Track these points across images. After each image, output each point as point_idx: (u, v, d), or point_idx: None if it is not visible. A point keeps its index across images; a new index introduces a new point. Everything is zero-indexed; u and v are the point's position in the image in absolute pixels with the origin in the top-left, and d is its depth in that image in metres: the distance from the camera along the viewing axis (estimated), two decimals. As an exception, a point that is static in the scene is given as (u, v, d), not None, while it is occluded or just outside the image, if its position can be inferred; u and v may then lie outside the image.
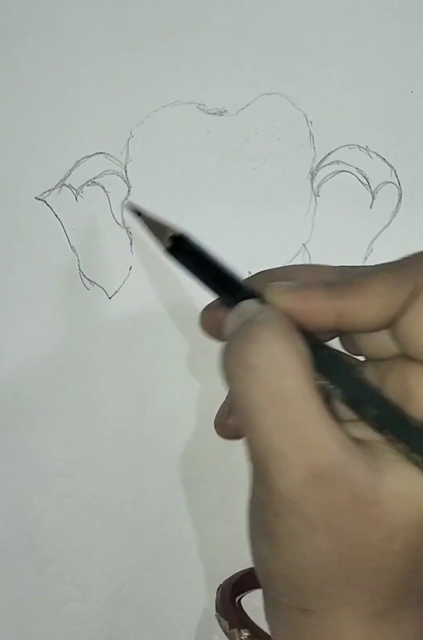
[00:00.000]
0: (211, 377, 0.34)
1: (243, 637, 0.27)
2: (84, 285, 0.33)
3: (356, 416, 0.25)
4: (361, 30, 0.33)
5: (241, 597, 0.32)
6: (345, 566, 0.23)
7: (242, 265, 0.34)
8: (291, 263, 0.34)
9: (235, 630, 0.27)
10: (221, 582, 0.33)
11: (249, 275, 0.27)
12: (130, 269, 0.33)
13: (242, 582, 0.32)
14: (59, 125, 0.33)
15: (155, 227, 0.27)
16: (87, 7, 0.32)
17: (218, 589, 0.32)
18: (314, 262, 0.34)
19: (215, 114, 0.33)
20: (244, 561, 0.36)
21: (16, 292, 0.33)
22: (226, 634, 0.28)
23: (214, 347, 0.34)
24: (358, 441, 0.24)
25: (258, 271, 0.27)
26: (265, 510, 0.24)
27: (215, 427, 0.30)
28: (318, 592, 0.23)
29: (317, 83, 0.33)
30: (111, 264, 0.34)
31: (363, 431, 0.25)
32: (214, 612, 0.35)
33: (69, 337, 0.34)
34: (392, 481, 0.23)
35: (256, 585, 0.27)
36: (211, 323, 0.29)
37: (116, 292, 0.34)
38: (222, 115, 0.33)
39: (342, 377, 0.25)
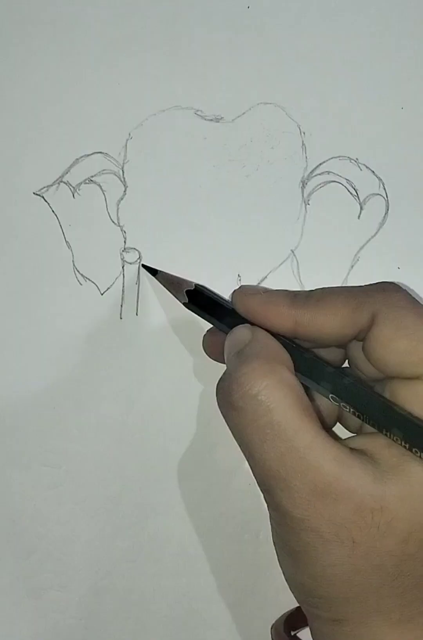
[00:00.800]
0: (199, 373, 0.35)
1: None
2: (78, 280, 0.34)
3: (356, 417, 0.26)
4: (355, 49, 0.34)
5: (296, 633, 0.33)
6: (367, 574, 0.24)
7: (232, 267, 0.35)
8: (279, 268, 0.35)
9: None
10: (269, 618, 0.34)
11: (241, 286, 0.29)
12: (123, 267, 0.34)
13: (293, 619, 0.33)
14: (59, 123, 0.34)
15: (171, 283, 0.31)
16: (91, 8, 0.33)
17: (271, 628, 0.33)
18: (302, 268, 0.35)
19: (212, 120, 0.34)
20: (225, 554, 0.36)
21: (9, 285, 0.34)
22: None
23: (201, 347, 0.35)
24: (359, 452, 0.25)
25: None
26: (280, 529, 0.25)
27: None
28: (346, 602, 0.24)
29: (311, 95, 0.34)
30: (105, 261, 0.34)
31: (364, 441, 0.26)
32: (196, 607, 0.36)
33: (60, 330, 0.34)
34: (395, 486, 0.24)
35: (306, 621, 0.28)
36: (211, 346, 0.31)
37: (108, 288, 0.34)
38: (219, 122, 0.34)
39: (337, 383, 0.26)
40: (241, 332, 0.27)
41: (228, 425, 0.26)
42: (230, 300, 0.29)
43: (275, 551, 0.36)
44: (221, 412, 0.26)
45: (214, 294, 0.31)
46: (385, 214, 0.34)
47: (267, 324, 0.27)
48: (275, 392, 0.24)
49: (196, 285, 0.31)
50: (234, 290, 0.28)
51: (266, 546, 0.37)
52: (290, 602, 0.34)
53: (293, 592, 0.26)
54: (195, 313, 0.31)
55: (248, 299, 0.28)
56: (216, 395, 0.26)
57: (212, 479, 0.36)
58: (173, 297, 0.33)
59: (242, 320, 0.28)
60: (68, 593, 0.36)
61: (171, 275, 0.32)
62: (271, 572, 0.37)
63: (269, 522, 0.37)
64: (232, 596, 0.37)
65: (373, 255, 0.35)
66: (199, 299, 0.30)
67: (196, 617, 0.37)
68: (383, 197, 0.34)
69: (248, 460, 0.25)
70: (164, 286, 0.32)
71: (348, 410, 0.26)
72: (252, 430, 0.24)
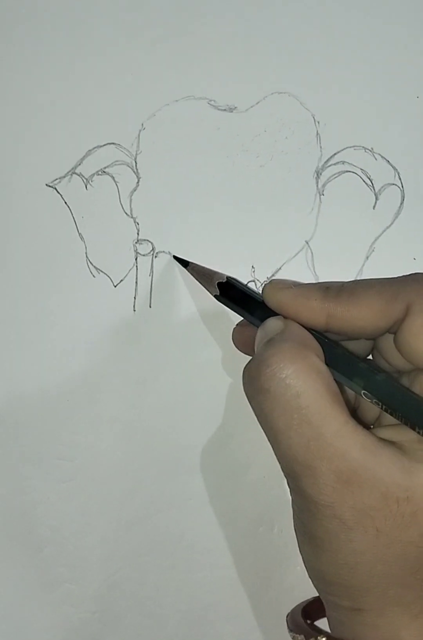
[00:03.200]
0: (213, 365, 0.35)
1: None
2: (90, 272, 0.34)
3: (388, 413, 0.26)
4: (370, 37, 0.34)
5: (312, 622, 0.33)
6: (389, 564, 0.24)
7: (246, 258, 0.34)
8: (293, 259, 0.34)
9: (312, 639, 0.28)
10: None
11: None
12: (136, 259, 0.34)
13: (310, 609, 0.33)
14: (72, 114, 0.33)
15: (202, 275, 0.30)
16: (103, 0, 0.33)
17: (287, 616, 0.33)
18: (316, 259, 0.34)
19: (225, 110, 0.34)
20: (240, 548, 0.36)
21: (22, 277, 0.34)
22: None
23: (216, 339, 0.35)
24: (388, 443, 0.24)
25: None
26: (303, 516, 0.25)
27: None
28: (366, 591, 0.24)
29: (326, 84, 0.34)
30: (118, 253, 0.34)
31: (393, 433, 0.26)
32: (210, 600, 0.36)
33: (73, 323, 0.34)
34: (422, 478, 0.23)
35: (324, 611, 0.28)
36: (242, 340, 0.31)
37: (122, 280, 0.34)
38: (232, 111, 0.34)
39: (370, 379, 0.26)
40: (274, 323, 0.27)
41: (253, 408, 0.25)
42: (261, 293, 0.28)
43: (289, 544, 0.36)
44: (247, 395, 0.25)
45: (246, 286, 0.31)
46: (401, 204, 0.34)
47: (299, 318, 0.27)
48: (305, 376, 0.24)
49: (228, 277, 0.31)
50: (265, 284, 0.28)
51: (281, 539, 0.37)
52: (305, 595, 0.34)
53: (312, 580, 0.26)
54: (226, 305, 0.30)
55: (279, 293, 0.27)
56: (243, 378, 0.26)
57: (226, 471, 0.36)
58: (186, 290, 0.33)
59: (273, 314, 0.28)
60: (82, 587, 0.35)
61: (203, 267, 0.32)
62: (286, 565, 0.37)
63: (283, 515, 0.36)
64: (247, 590, 0.37)
65: (388, 246, 0.34)
66: (230, 292, 0.30)
67: (210, 611, 0.37)
68: (399, 187, 0.34)
69: (272, 445, 0.25)
70: (196, 278, 0.32)
71: (380, 406, 0.26)
72: (279, 413, 0.24)
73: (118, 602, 0.36)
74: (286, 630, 0.32)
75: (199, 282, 0.32)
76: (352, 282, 0.27)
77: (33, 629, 0.35)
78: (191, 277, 0.33)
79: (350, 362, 0.26)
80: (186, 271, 0.33)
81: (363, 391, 0.26)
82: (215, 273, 0.31)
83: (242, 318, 0.30)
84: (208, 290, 0.31)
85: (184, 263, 0.33)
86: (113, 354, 0.35)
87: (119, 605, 0.36)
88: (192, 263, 0.33)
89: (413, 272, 0.29)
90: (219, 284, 0.30)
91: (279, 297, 0.27)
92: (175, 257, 0.34)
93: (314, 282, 0.34)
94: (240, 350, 0.32)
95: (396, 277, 0.27)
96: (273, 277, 0.34)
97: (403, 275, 0.27)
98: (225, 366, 0.35)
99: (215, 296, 0.31)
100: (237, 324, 0.32)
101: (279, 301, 0.27)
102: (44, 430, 0.35)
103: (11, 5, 0.33)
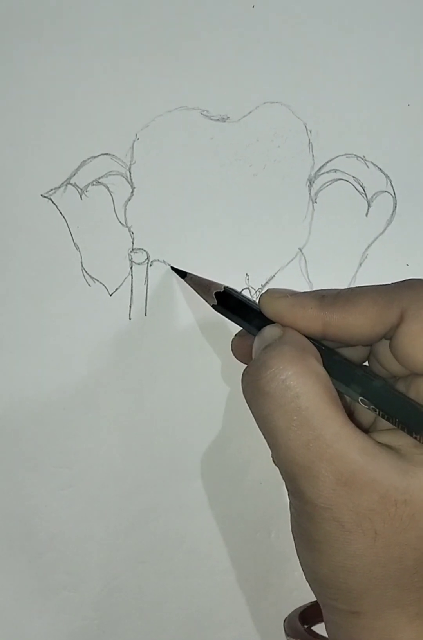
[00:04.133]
0: (208, 372, 0.35)
1: None
2: (86, 281, 0.34)
3: (386, 420, 0.26)
4: (361, 45, 0.34)
5: (309, 627, 0.33)
6: (387, 567, 0.24)
7: (241, 266, 0.35)
8: (287, 266, 0.35)
9: None
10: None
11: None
12: (131, 268, 0.34)
13: (307, 614, 0.33)
14: (66, 125, 0.34)
15: (200, 285, 0.31)
16: (96, 10, 0.33)
17: (284, 621, 0.33)
18: (310, 266, 0.35)
19: (218, 120, 0.34)
20: (238, 553, 0.37)
21: (19, 286, 0.34)
22: None
23: (212, 346, 0.35)
24: (385, 446, 0.25)
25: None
26: (301, 518, 0.25)
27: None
28: (364, 594, 0.24)
29: (318, 93, 0.34)
30: (113, 262, 0.34)
31: (389, 437, 0.26)
32: (209, 605, 0.36)
33: (69, 332, 0.35)
34: (421, 480, 0.24)
35: (321, 616, 0.28)
36: (240, 349, 0.31)
37: (117, 289, 0.35)
38: (225, 121, 0.34)
39: (368, 386, 0.26)
40: (272, 330, 0.27)
41: (252, 411, 0.25)
42: (258, 302, 0.29)
43: (286, 549, 0.37)
44: (247, 398, 0.26)
45: (243, 296, 0.31)
46: (393, 211, 0.34)
47: (296, 327, 0.27)
48: (304, 378, 0.24)
49: (225, 287, 0.31)
50: (262, 294, 0.28)
51: (279, 544, 0.37)
52: (303, 600, 0.34)
53: (309, 583, 0.26)
54: (224, 315, 0.31)
55: (276, 302, 0.27)
56: (242, 381, 0.26)
57: (223, 477, 0.36)
58: (182, 297, 0.33)
59: (270, 323, 0.28)
60: (81, 593, 0.36)
61: (200, 278, 0.32)
62: (283, 570, 0.37)
63: (280, 520, 0.37)
64: (245, 595, 0.37)
65: (381, 252, 0.34)
66: (228, 302, 0.31)
67: (209, 616, 0.37)
68: (391, 194, 0.34)
69: (271, 448, 0.25)
70: (193, 288, 0.33)
71: (377, 413, 0.26)
72: (278, 415, 0.24)
73: (117, 608, 0.36)
74: (284, 634, 0.33)
75: (197, 292, 0.32)
76: (347, 290, 0.27)
77: (32, 636, 0.36)
78: (187, 286, 0.34)
79: (347, 369, 0.27)
80: (183, 281, 0.34)
81: (360, 398, 0.26)
82: (212, 283, 0.32)
83: (240, 328, 0.31)
84: (206, 300, 0.32)
85: (182, 274, 0.34)
86: (110, 362, 0.35)
87: (119, 611, 0.36)
88: (190, 274, 0.33)
89: (407, 278, 0.29)
90: (217, 294, 0.31)
91: (276, 306, 0.28)
92: (173, 268, 0.34)
93: (308, 289, 0.35)
94: (240, 361, 0.32)
95: (390, 284, 0.27)
96: (269, 287, 0.35)
97: (398, 282, 0.27)
98: (222, 372, 0.36)
99: (213, 306, 0.31)
100: (236, 335, 0.32)
101: (276, 310, 0.27)
102: (42, 437, 0.35)
103: (6, 18, 0.33)
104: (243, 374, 0.26)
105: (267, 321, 0.28)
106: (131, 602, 0.36)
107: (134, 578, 0.36)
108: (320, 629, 0.30)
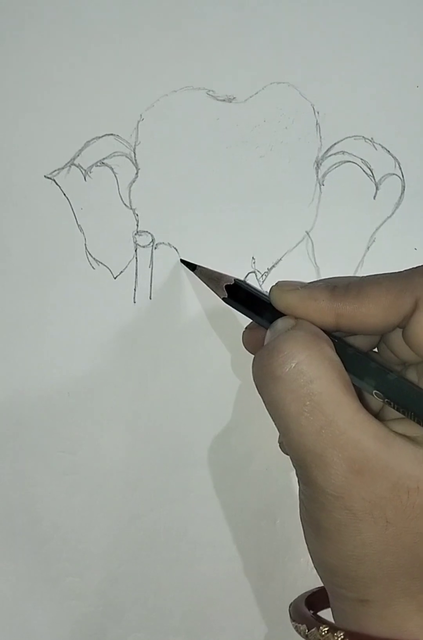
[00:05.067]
0: (214, 358, 0.35)
1: (323, 633, 0.28)
2: (90, 264, 0.34)
3: (401, 413, 0.26)
4: (370, 26, 0.34)
5: (315, 613, 0.33)
6: (397, 555, 0.24)
7: (247, 249, 0.34)
8: (294, 250, 0.34)
9: (314, 629, 0.28)
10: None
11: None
12: (135, 251, 0.34)
13: (314, 599, 0.33)
14: (70, 106, 0.33)
15: (210, 278, 0.30)
16: (101, -10, 0.33)
17: (290, 606, 0.33)
18: (317, 249, 0.34)
19: (224, 100, 0.33)
20: (243, 541, 0.36)
21: (22, 269, 0.34)
22: (307, 637, 0.29)
23: (217, 331, 0.35)
24: (398, 434, 0.24)
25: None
26: (312, 506, 0.25)
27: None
28: (373, 583, 0.24)
29: (325, 74, 0.33)
30: (117, 244, 0.34)
31: (406, 427, 0.25)
32: (213, 594, 0.36)
33: (73, 315, 0.34)
34: None
35: (328, 602, 0.27)
36: (251, 342, 0.31)
37: (121, 272, 0.34)
38: (231, 102, 0.33)
39: (382, 379, 0.26)
40: (285, 321, 0.27)
41: (263, 397, 0.25)
42: (268, 295, 0.28)
43: (291, 537, 0.36)
44: (257, 384, 0.25)
45: (254, 288, 0.30)
46: (401, 194, 0.34)
47: (308, 319, 0.26)
48: (317, 363, 0.24)
49: (236, 280, 0.30)
50: (272, 287, 0.28)
51: (284, 532, 0.36)
52: (309, 587, 0.34)
53: (318, 571, 0.26)
54: (234, 308, 0.30)
55: (287, 295, 0.27)
56: (253, 366, 0.25)
57: (228, 465, 0.36)
58: (187, 281, 0.33)
59: (282, 315, 0.27)
60: (85, 581, 0.35)
61: (210, 270, 0.32)
62: (289, 557, 0.37)
63: (285, 508, 0.36)
64: (250, 583, 0.37)
65: (389, 236, 0.34)
66: (238, 294, 0.30)
67: (213, 604, 0.36)
68: (399, 177, 0.34)
69: (282, 434, 0.25)
70: (203, 281, 0.32)
71: (392, 405, 0.25)
72: (290, 400, 0.23)
73: (121, 596, 0.36)
74: (289, 622, 0.32)
75: (207, 284, 0.32)
76: (359, 279, 0.27)
77: (36, 623, 0.35)
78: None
79: (360, 362, 0.26)
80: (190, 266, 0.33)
81: (374, 391, 0.26)
82: (223, 276, 0.31)
83: (251, 320, 0.30)
84: (216, 293, 0.31)
85: (191, 266, 0.33)
86: (114, 346, 0.34)
87: (123, 599, 0.36)
88: (199, 266, 0.33)
89: (415, 262, 0.29)
90: (228, 287, 0.30)
91: (287, 299, 0.27)
92: (182, 261, 0.34)
93: (315, 273, 0.34)
94: (251, 353, 0.32)
95: (403, 271, 0.26)
96: (275, 270, 0.34)
97: (410, 269, 0.27)
98: (227, 358, 0.35)
99: (223, 299, 0.31)
100: (247, 327, 0.32)
101: (287, 303, 0.27)
102: (45, 424, 0.34)
103: (9, 0, 0.32)
104: (254, 360, 0.25)
105: (278, 314, 0.27)
106: (135, 590, 0.36)
107: (138, 566, 0.36)
108: (327, 614, 0.30)
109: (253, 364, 0.26)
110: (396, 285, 0.25)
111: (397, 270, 0.27)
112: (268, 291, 0.28)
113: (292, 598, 0.35)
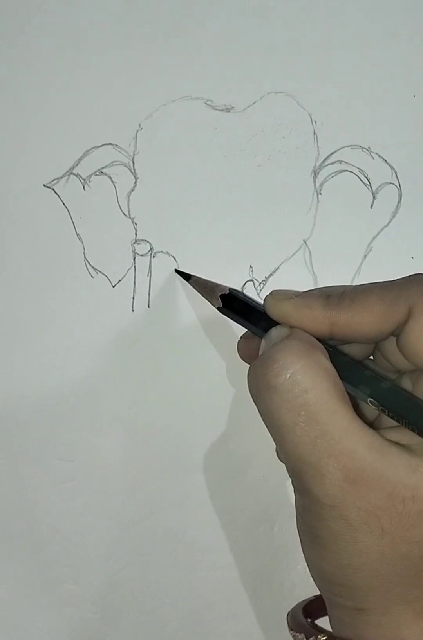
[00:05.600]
0: (212, 365, 0.35)
1: None
2: (89, 273, 0.34)
3: (395, 421, 0.26)
4: (367, 36, 0.34)
5: (313, 621, 0.33)
6: (393, 564, 0.24)
7: (245, 258, 0.35)
8: (291, 258, 0.34)
9: (313, 638, 0.28)
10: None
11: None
12: (134, 259, 0.34)
13: (311, 607, 0.33)
14: (69, 115, 0.33)
15: (204, 288, 0.31)
16: (100, 1, 0.33)
17: (287, 615, 0.33)
18: (314, 258, 0.34)
19: (222, 110, 0.34)
20: (240, 547, 0.36)
21: (21, 277, 0.34)
22: None
23: (214, 338, 0.35)
24: (393, 442, 0.25)
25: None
26: (308, 516, 0.25)
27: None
28: (370, 591, 0.24)
29: (323, 84, 0.34)
30: (116, 253, 0.34)
31: (400, 435, 0.26)
32: (211, 599, 0.36)
33: (71, 324, 0.34)
34: None
35: (326, 610, 0.28)
36: (247, 351, 0.31)
37: (120, 281, 0.34)
38: (229, 111, 0.34)
39: (376, 387, 0.26)
40: (279, 330, 0.27)
41: (258, 407, 0.25)
42: (263, 304, 0.28)
43: (289, 543, 0.37)
44: (252, 394, 0.25)
45: (248, 298, 0.31)
46: (398, 203, 0.34)
47: (303, 328, 0.27)
48: (312, 373, 0.24)
49: (231, 289, 0.31)
50: (266, 296, 0.28)
51: (281, 538, 0.37)
52: (306, 593, 0.34)
53: (315, 580, 0.26)
54: (229, 317, 0.30)
55: (281, 304, 0.27)
56: (248, 376, 0.25)
57: (226, 470, 0.36)
58: (185, 289, 0.33)
59: (276, 324, 0.28)
60: (83, 586, 0.36)
61: (205, 280, 0.32)
62: (287, 563, 0.37)
63: (283, 514, 0.37)
64: (247, 588, 0.37)
65: (386, 245, 0.34)
66: (233, 304, 0.30)
67: (211, 609, 0.37)
68: (396, 186, 0.34)
69: (278, 444, 0.25)
70: (198, 291, 0.32)
71: (387, 413, 0.26)
72: (285, 411, 0.24)
73: (119, 602, 0.36)
74: (287, 629, 0.33)
75: (202, 294, 0.32)
76: (353, 288, 0.27)
77: (34, 629, 0.35)
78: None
79: (354, 370, 0.26)
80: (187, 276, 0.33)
81: (369, 399, 0.26)
82: (217, 285, 0.31)
83: (246, 330, 0.31)
84: (211, 303, 0.31)
85: (186, 276, 0.33)
86: (112, 354, 0.35)
87: (120, 605, 0.36)
88: (194, 276, 0.33)
89: (412, 271, 0.29)
90: (222, 296, 0.30)
91: (281, 308, 0.27)
92: (177, 271, 0.34)
93: (313, 282, 0.35)
94: (247, 363, 0.32)
95: (396, 280, 0.27)
96: (272, 279, 0.34)
97: (403, 277, 0.27)
98: (225, 366, 0.35)
99: (218, 308, 0.31)
100: (241, 337, 0.32)
101: (282, 313, 0.27)
102: (44, 430, 0.35)
103: (7, 7, 0.32)
104: (249, 370, 0.26)
105: (273, 323, 0.28)
106: (133, 595, 0.36)
107: (135, 571, 0.36)
108: (324, 622, 0.30)
109: (248, 374, 0.26)
110: (389, 294, 0.25)
111: (393, 279, 0.27)
112: (263, 300, 0.28)
113: (290, 603, 0.35)
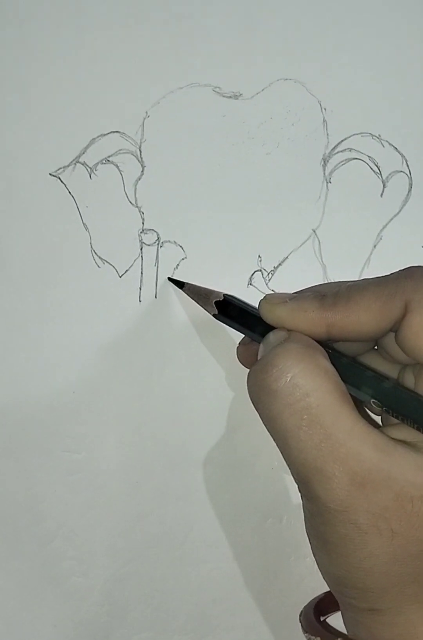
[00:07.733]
0: (219, 356, 0.35)
1: None
2: (95, 263, 0.34)
3: (399, 420, 0.25)
4: (377, 22, 0.33)
5: (325, 618, 0.32)
6: (405, 564, 0.23)
7: (253, 248, 0.34)
8: (300, 248, 0.34)
9: None
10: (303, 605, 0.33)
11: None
12: (141, 249, 0.34)
13: (323, 604, 0.33)
14: (75, 103, 0.33)
15: (199, 295, 0.30)
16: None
17: (300, 614, 0.32)
18: (323, 247, 0.34)
19: (231, 97, 0.33)
20: (248, 540, 0.36)
21: (27, 268, 0.33)
22: None
23: (222, 330, 0.34)
24: (398, 441, 0.24)
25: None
26: (316, 521, 0.24)
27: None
28: (383, 592, 0.24)
29: (332, 71, 0.33)
30: (123, 243, 0.34)
31: (405, 433, 0.25)
32: (218, 594, 0.35)
33: (78, 314, 0.34)
34: None
35: (337, 606, 0.27)
36: (246, 356, 0.31)
37: (127, 271, 0.34)
38: (238, 99, 0.33)
39: (378, 388, 0.26)
40: (277, 334, 0.26)
41: (260, 412, 0.25)
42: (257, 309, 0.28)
43: (297, 536, 0.36)
44: (253, 399, 0.25)
45: (244, 303, 0.30)
46: (409, 191, 0.34)
47: (299, 331, 0.26)
48: (313, 375, 0.23)
49: (225, 295, 0.30)
50: (260, 301, 0.27)
51: (290, 531, 0.36)
52: (314, 587, 0.34)
53: (327, 582, 0.26)
54: (225, 324, 0.30)
55: (276, 309, 0.27)
56: (248, 381, 0.25)
57: (233, 463, 0.36)
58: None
59: (273, 328, 0.27)
60: (89, 580, 0.35)
61: (199, 287, 0.31)
62: (295, 556, 0.36)
63: (291, 507, 0.36)
64: (256, 582, 0.36)
65: (396, 234, 0.34)
66: (229, 310, 0.30)
67: (218, 603, 0.36)
68: (407, 174, 0.34)
69: (281, 450, 0.24)
70: (192, 298, 0.32)
71: (390, 413, 0.25)
72: (287, 415, 0.23)
73: (126, 595, 0.36)
74: (295, 623, 0.32)
75: (196, 302, 0.31)
76: (347, 287, 0.26)
77: (41, 623, 0.35)
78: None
79: (356, 371, 0.26)
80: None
81: (372, 400, 0.26)
82: (211, 292, 0.30)
83: (244, 337, 0.30)
84: (206, 310, 0.31)
85: (180, 284, 0.33)
86: (119, 345, 0.34)
87: (127, 598, 0.36)
88: (187, 284, 0.32)
89: (422, 260, 0.28)
90: (217, 303, 0.30)
91: (276, 313, 0.27)
92: (170, 279, 0.33)
93: (322, 271, 0.34)
94: (246, 367, 0.31)
95: (390, 275, 0.26)
96: (281, 269, 0.34)
97: (397, 272, 0.26)
98: (233, 356, 0.35)
99: (214, 315, 0.30)
100: (240, 342, 0.31)
101: (277, 317, 0.27)
102: (50, 423, 0.34)
103: (13, -8, 0.32)
104: (248, 375, 0.25)
105: (270, 328, 0.27)
106: (140, 589, 0.36)
107: (142, 565, 0.36)
108: (335, 619, 0.30)
109: (247, 379, 0.25)
110: (384, 290, 0.25)
111: (388, 273, 0.27)
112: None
113: (298, 597, 0.35)
